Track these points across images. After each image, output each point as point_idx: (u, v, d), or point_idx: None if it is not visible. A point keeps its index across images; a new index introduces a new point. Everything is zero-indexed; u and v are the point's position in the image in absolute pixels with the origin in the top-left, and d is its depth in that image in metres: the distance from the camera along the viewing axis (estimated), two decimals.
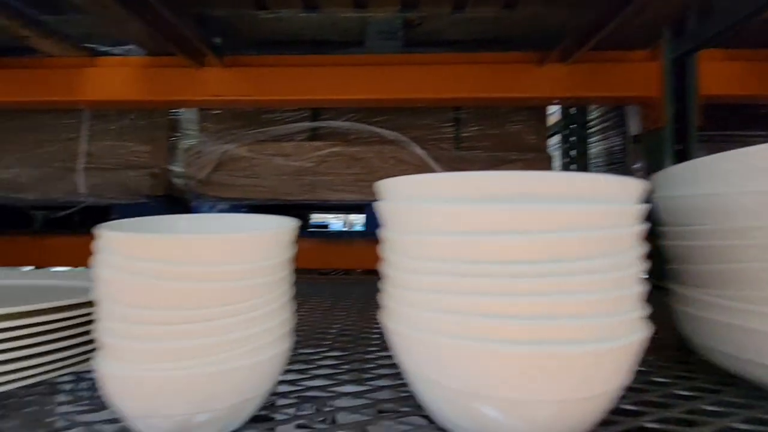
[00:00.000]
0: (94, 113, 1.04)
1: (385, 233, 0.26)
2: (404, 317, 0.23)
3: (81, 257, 1.03)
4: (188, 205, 1.17)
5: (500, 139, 1.03)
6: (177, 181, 1.14)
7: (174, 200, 1.10)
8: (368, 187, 1.00)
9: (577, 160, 1.21)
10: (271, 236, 0.22)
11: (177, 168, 1.14)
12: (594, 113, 1.19)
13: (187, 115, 1.18)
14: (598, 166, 1.19)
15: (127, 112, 1.03)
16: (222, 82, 0.77)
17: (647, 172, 0.84)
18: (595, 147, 1.19)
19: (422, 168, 1.01)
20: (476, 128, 1.03)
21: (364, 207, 1.03)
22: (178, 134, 1.13)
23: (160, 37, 0.66)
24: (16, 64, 0.80)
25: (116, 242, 0.21)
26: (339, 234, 1.52)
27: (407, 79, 0.77)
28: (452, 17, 0.80)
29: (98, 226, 0.24)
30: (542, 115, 1.05)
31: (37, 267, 1.53)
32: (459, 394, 0.21)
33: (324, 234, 1.41)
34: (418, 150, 1.00)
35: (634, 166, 1.04)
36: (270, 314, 0.23)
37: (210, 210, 1.04)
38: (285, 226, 0.24)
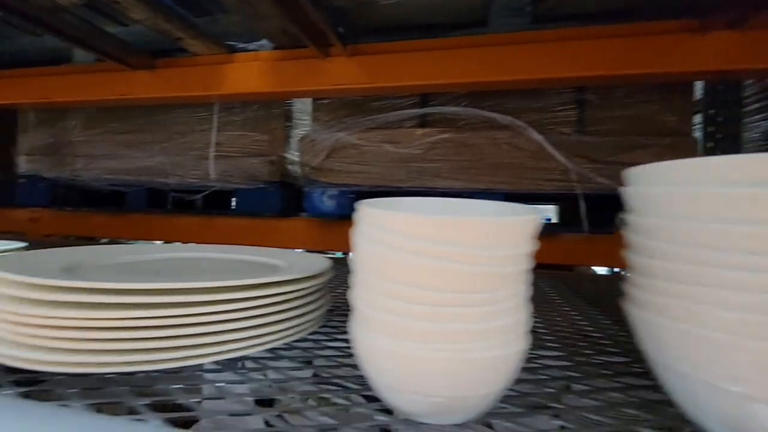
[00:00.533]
0: (223, 106, 1.14)
1: (641, 221, 0.24)
2: (674, 309, 0.20)
3: (203, 235, 1.16)
4: (301, 190, 1.24)
5: (631, 122, 0.92)
6: (291, 167, 1.21)
7: (288, 186, 1.18)
8: (479, 174, 0.96)
9: (725, 144, 1.03)
10: (532, 223, 0.21)
11: (291, 155, 1.22)
12: (750, 89, 1.00)
13: (298, 105, 1.25)
14: (760, 149, 1.00)
15: (251, 103, 1.12)
16: (346, 72, 0.79)
17: None
18: (755, 129, 1.00)
19: (539, 155, 0.94)
20: (602, 110, 0.93)
21: (471, 195, 1.00)
22: (290, 124, 1.20)
23: (296, 28, 0.69)
24: (171, 64, 0.90)
25: (391, 220, 0.21)
26: None
27: (538, 58, 0.71)
28: None
29: (362, 203, 0.24)
30: (687, 93, 0.91)
31: (166, 242, 1.75)
32: (730, 394, 0.18)
33: None
34: (535, 135, 0.93)
35: None
36: (521, 306, 0.22)
37: (321, 196, 1.09)
38: (535, 215, 0.22)
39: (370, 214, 0.22)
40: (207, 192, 1.20)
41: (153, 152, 1.22)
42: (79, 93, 0.98)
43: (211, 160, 1.19)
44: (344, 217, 1.07)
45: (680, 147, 0.89)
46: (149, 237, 1.44)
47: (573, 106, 0.95)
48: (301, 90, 0.83)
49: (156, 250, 0.48)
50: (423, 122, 1.03)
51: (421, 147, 0.99)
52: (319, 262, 0.40)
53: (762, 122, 0.98)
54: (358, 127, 1.04)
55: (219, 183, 1.19)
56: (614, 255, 0.92)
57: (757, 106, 0.99)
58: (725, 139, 1.03)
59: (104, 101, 1.00)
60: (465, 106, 0.99)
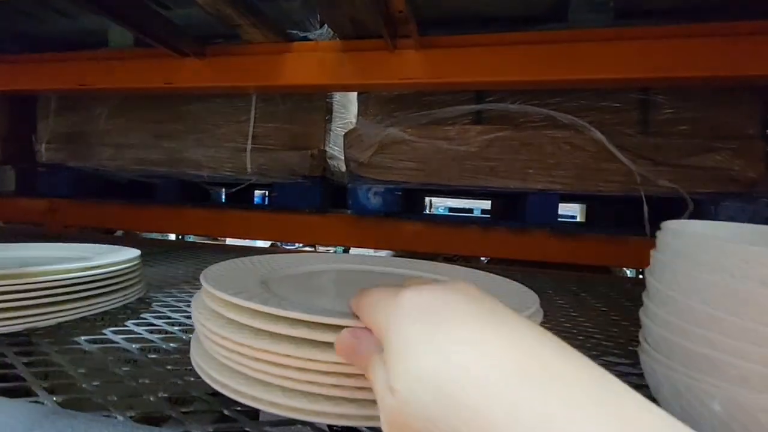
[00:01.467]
0: (260, 96, 1.10)
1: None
2: None
3: (237, 230, 1.12)
4: (339, 186, 1.20)
5: (700, 124, 0.89)
6: (331, 162, 1.17)
7: (327, 181, 1.13)
8: (537, 174, 0.93)
9: None
10: None
11: (331, 149, 1.18)
12: None
13: (336, 98, 1.20)
14: None
15: (291, 95, 1.07)
16: (415, 66, 0.75)
17: None
18: None
19: (601, 155, 0.91)
20: (669, 110, 0.90)
21: (527, 195, 0.97)
22: (328, 117, 1.15)
23: (369, 18, 0.65)
24: (222, 51, 0.85)
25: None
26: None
27: (621, 56, 0.68)
28: None
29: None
30: (754, 95, 0.88)
31: (197, 236, 1.70)
32: None
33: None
34: (598, 135, 0.90)
35: None
36: None
37: (367, 192, 1.05)
38: None
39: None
40: (243, 185, 1.15)
41: (186, 143, 1.17)
42: (119, 80, 0.92)
43: (248, 152, 1.14)
44: (390, 214, 1.03)
45: (747, 151, 0.87)
46: (180, 231, 1.39)
47: (637, 106, 0.92)
48: (365, 83, 0.79)
49: (312, 261, 0.41)
50: (477, 119, 1.00)
51: (477, 145, 0.96)
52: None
53: None
54: (410, 123, 1.00)
55: (256, 176, 1.15)
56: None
57: None
58: None
59: (147, 89, 0.94)
60: (522, 103, 0.96)
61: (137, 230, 1.41)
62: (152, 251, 0.83)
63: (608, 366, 0.36)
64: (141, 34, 0.78)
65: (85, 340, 0.34)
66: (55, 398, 0.24)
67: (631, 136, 0.90)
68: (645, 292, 0.25)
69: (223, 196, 1.45)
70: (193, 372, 0.28)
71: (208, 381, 0.24)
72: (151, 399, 0.25)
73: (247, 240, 1.38)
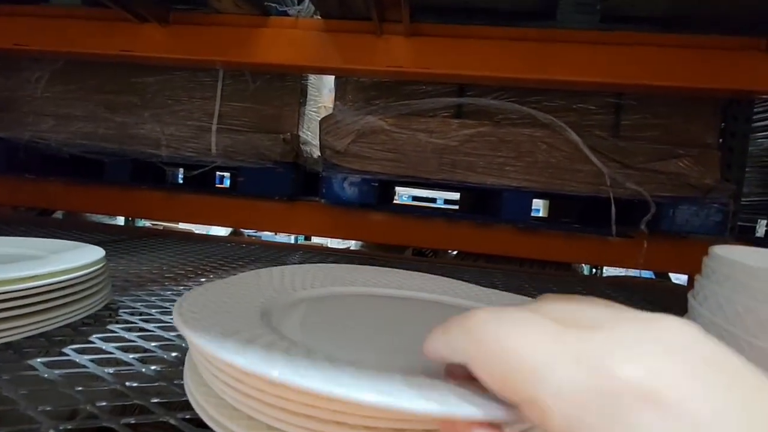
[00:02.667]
0: (230, 73, 1.01)
1: None
2: None
3: (199, 216, 1.04)
4: (310, 174, 1.15)
5: (665, 131, 0.94)
6: (304, 148, 1.12)
7: (299, 167, 1.08)
8: (514, 171, 0.94)
9: (734, 157, 1.09)
10: None
11: (304, 134, 1.12)
12: (759, 107, 1.06)
13: (311, 80, 1.14)
14: (755, 168, 1.07)
15: (263, 73, 1.00)
16: (402, 53, 0.71)
17: None
18: (754, 146, 1.07)
19: (575, 156, 0.93)
20: (638, 116, 0.94)
21: (503, 192, 0.98)
22: (302, 100, 1.09)
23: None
24: (188, 20, 0.77)
25: None
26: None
27: (608, 61, 0.69)
28: None
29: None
30: (714, 106, 0.94)
31: (154, 221, 1.58)
32: None
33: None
34: (574, 136, 0.92)
35: None
36: None
37: (343, 182, 1.01)
38: None
39: None
40: (207, 168, 1.07)
41: (141, 118, 1.06)
42: (64, 42, 0.81)
43: (213, 132, 1.06)
44: (364, 206, 1.00)
45: (705, 159, 0.93)
46: (131, 214, 1.28)
47: (611, 110, 0.94)
48: (348, 68, 0.75)
49: (319, 279, 0.35)
50: (458, 112, 0.98)
51: (458, 139, 0.95)
52: None
53: (764, 139, 1.05)
54: (390, 112, 0.97)
55: (221, 159, 1.07)
56: (633, 257, 0.96)
57: (763, 123, 1.05)
58: (735, 153, 1.08)
59: (99, 56, 0.84)
60: (503, 100, 0.96)
61: (82, 211, 1.27)
62: (103, 240, 0.75)
63: None
64: None
65: (43, 363, 0.29)
66: None
67: (603, 138, 0.93)
68: (686, 315, 0.25)
69: (180, 178, 1.35)
70: (184, 404, 0.25)
71: (199, 413, 0.21)
72: None
73: (207, 226, 1.29)
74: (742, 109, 1.10)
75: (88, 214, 1.36)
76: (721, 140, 1.11)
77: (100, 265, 0.36)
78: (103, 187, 1.06)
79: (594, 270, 1.72)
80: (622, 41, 0.69)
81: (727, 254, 0.21)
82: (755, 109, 1.09)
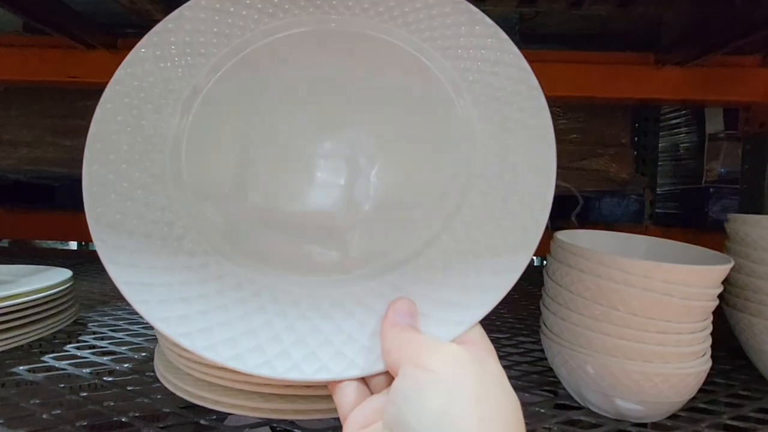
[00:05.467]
0: None
1: None
2: None
3: None
4: None
5: (586, 133, 1.06)
6: None
7: None
8: None
9: (646, 153, 1.24)
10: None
11: None
12: (666, 108, 1.21)
13: None
14: (667, 161, 1.22)
15: None
16: None
17: (745, 173, 0.88)
18: (664, 142, 1.22)
19: None
20: (564, 121, 1.05)
21: None
22: None
23: None
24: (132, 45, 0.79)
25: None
26: None
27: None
28: (567, 14, 0.81)
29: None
30: (627, 110, 1.07)
31: None
32: None
33: None
34: None
35: (710, 165, 1.08)
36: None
37: None
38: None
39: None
40: None
41: None
42: (9, 71, 0.81)
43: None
44: None
45: (621, 156, 1.06)
46: (88, 238, 1.25)
47: None
48: None
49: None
50: None
51: None
52: None
53: (669, 138, 1.21)
54: None
55: None
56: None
57: (671, 123, 1.21)
58: (647, 149, 1.23)
59: (46, 83, 0.85)
60: None
61: (33, 238, 1.24)
62: (60, 264, 0.75)
63: (518, 344, 0.44)
64: (31, 19, 0.69)
65: (25, 370, 0.32)
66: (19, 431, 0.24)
67: None
68: (543, 288, 0.33)
69: None
70: (158, 389, 0.30)
71: (171, 388, 0.26)
72: (124, 420, 0.26)
73: None
74: (650, 111, 1.25)
75: (38, 241, 1.32)
76: (636, 138, 1.27)
77: (70, 283, 0.40)
78: (53, 213, 1.05)
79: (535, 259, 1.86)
80: (539, 59, 0.79)
81: (563, 237, 0.29)
82: (663, 110, 1.25)
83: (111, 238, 0.23)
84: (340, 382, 0.21)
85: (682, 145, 1.22)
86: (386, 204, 0.26)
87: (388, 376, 0.21)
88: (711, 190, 1.11)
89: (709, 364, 0.28)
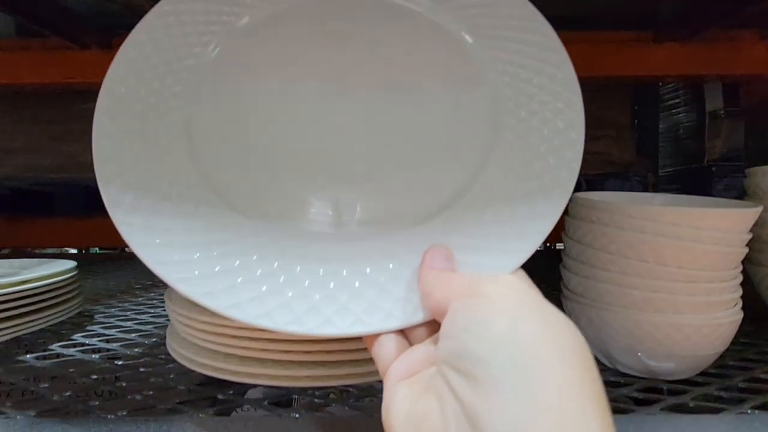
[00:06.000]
0: None
1: None
2: None
3: None
4: None
5: (586, 116, 1.05)
6: None
7: None
8: None
9: (647, 135, 1.23)
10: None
11: None
12: (664, 87, 1.21)
13: None
14: (667, 142, 1.22)
15: None
16: None
17: (748, 150, 0.87)
18: (664, 123, 1.22)
19: None
20: None
21: None
22: None
23: None
24: None
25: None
26: None
27: None
28: None
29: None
30: (626, 92, 1.07)
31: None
32: None
33: None
34: None
35: (712, 143, 1.08)
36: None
37: None
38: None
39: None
40: None
41: (90, 145, 1.05)
42: (3, 75, 0.80)
43: None
44: None
45: (622, 138, 1.05)
46: (85, 244, 1.24)
47: None
48: None
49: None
50: None
51: None
52: None
53: (671, 117, 1.20)
54: None
55: None
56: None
57: (670, 103, 1.20)
58: (647, 131, 1.23)
59: (41, 85, 0.84)
60: None
61: (32, 247, 1.23)
62: None
63: None
64: (26, 19, 0.69)
65: (33, 357, 0.31)
66: (29, 412, 0.23)
67: None
68: (563, 251, 0.32)
69: None
70: (173, 369, 0.29)
71: (186, 364, 0.25)
72: (138, 398, 0.25)
73: None
74: (649, 91, 1.25)
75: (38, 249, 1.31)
76: (636, 121, 1.26)
77: (74, 273, 0.39)
78: (53, 219, 1.04)
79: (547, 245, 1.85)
80: None
81: (582, 196, 0.29)
82: (662, 90, 1.25)
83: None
84: (378, 335, 0.20)
85: (682, 125, 1.22)
86: (411, 154, 0.25)
87: (429, 327, 0.20)
88: (713, 168, 1.10)
89: (741, 314, 0.27)
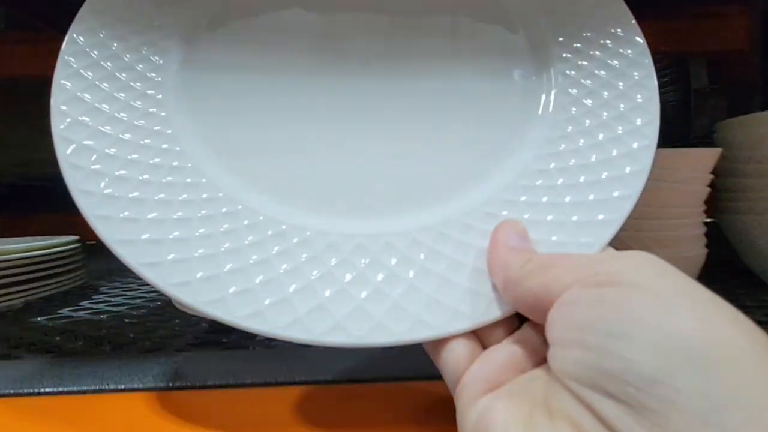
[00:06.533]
0: None
1: None
2: None
3: None
4: None
5: None
6: None
7: None
8: None
9: None
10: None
11: None
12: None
13: None
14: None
15: None
16: None
17: None
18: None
19: None
20: None
21: None
22: None
23: None
24: None
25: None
26: None
27: None
28: None
29: None
30: None
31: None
32: None
33: None
34: None
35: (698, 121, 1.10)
36: None
37: None
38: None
39: None
40: None
41: None
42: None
43: None
44: None
45: None
46: (86, 236, 1.25)
47: None
48: None
49: None
50: None
51: None
52: None
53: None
54: None
55: None
56: None
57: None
58: None
59: (33, 78, 0.84)
60: None
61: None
62: None
63: None
64: (20, 12, 0.69)
65: (44, 319, 0.33)
66: (43, 357, 0.25)
67: None
68: None
69: None
70: (180, 323, 0.31)
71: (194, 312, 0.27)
72: (146, 344, 0.27)
73: None
74: None
75: None
76: None
77: (78, 244, 0.40)
78: (49, 214, 1.05)
79: None
80: None
81: None
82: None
83: None
84: (446, 340, 0.16)
85: (669, 104, 1.24)
86: (456, 123, 0.22)
87: (507, 324, 0.16)
88: (700, 146, 1.12)
89: (706, 250, 0.29)
